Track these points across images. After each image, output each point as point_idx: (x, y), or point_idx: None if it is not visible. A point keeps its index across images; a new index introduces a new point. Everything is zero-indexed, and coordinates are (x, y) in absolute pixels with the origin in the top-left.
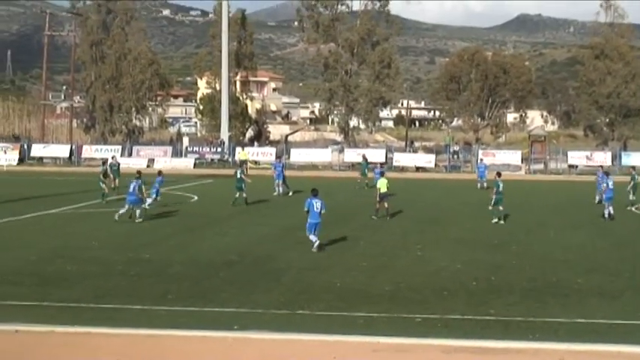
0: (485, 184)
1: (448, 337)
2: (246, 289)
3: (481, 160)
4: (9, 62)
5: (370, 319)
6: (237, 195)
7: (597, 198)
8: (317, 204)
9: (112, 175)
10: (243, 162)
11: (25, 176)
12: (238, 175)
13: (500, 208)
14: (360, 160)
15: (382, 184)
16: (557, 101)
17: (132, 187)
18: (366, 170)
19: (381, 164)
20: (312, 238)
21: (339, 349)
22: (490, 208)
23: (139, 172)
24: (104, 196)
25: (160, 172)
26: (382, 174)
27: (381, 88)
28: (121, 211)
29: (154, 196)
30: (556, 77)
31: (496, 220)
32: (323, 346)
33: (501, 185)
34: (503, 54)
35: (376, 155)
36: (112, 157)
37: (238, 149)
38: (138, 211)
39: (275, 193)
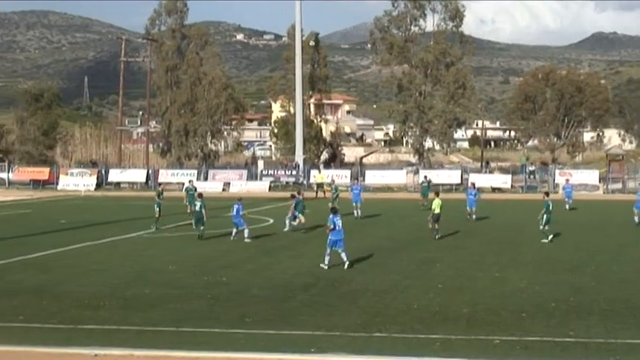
0: (570, 205)
1: (527, 358)
2: (323, 311)
3: (567, 180)
4: (86, 89)
5: (448, 342)
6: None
7: None
8: (339, 222)
9: (187, 201)
10: (320, 185)
11: (102, 201)
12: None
13: (547, 227)
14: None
15: (436, 205)
16: (635, 119)
17: (235, 209)
18: (427, 192)
19: (473, 185)
20: (327, 257)
21: None
22: (542, 228)
23: (240, 198)
24: (157, 221)
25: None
26: (437, 194)
27: (455, 109)
28: (234, 232)
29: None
30: (633, 95)
31: (545, 240)
32: None
33: (551, 205)
34: (579, 72)
35: (452, 177)
36: (189, 182)
37: (315, 172)
38: (246, 231)
39: (355, 216)
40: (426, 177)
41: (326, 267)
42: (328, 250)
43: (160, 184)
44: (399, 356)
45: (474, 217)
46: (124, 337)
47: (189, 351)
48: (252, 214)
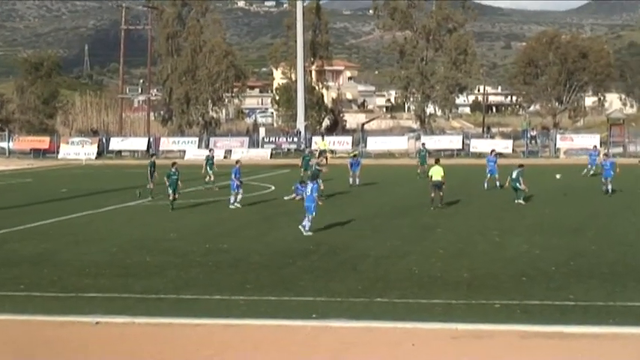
0: (592, 171)
1: (527, 322)
2: (324, 277)
3: (595, 147)
4: (86, 57)
5: (448, 306)
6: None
7: None
8: (311, 188)
9: (207, 169)
10: (323, 151)
11: (103, 169)
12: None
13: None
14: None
15: (435, 172)
16: (636, 83)
17: (232, 173)
18: (426, 160)
19: (493, 151)
20: (309, 224)
21: (417, 336)
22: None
23: (237, 161)
24: (150, 192)
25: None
26: (437, 161)
27: (457, 75)
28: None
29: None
30: (635, 59)
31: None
32: (401, 333)
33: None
34: (581, 37)
35: (453, 142)
36: (210, 150)
37: (317, 139)
38: (233, 197)
39: (350, 183)
40: (423, 144)
41: (309, 233)
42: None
43: (152, 155)
44: (400, 321)
45: (497, 183)
46: (125, 304)
47: (189, 318)
48: (254, 181)
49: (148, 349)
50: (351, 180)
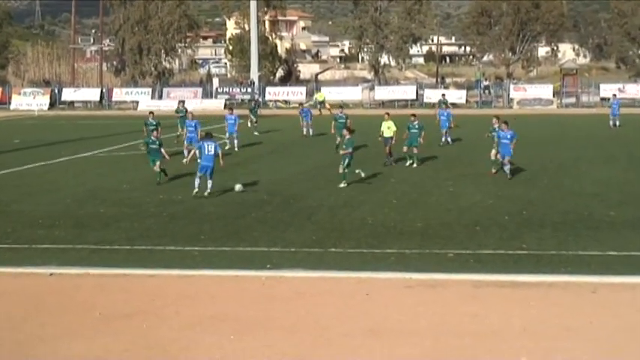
0: (617, 122)
1: (480, 271)
2: (278, 228)
3: (614, 95)
4: (37, 7)
5: (402, 256)
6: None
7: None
8: (209, 146)
9: (179, 123)
10: (322, 102)
11: (56, 120)
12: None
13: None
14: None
15: (385, 128)
16: (589, 34)
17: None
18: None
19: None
20: (197, 182)
21: (371, 286)
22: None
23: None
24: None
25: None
26: (387, 115)
27: (411, 25)
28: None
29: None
30: (587, 10)
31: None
32: (355, 282)
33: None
34: None
35: (407, 92)
36: (180, 103)
37: (316, 92)
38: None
39: (304, 134)
40: (443, 95)
41: (194, 192)
42: (198, 174)
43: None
44: (355, 271)
45: (448, 139)
46: (79, 255)
47: (144, 269)
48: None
49: (102, 301)
50: (304, 130)
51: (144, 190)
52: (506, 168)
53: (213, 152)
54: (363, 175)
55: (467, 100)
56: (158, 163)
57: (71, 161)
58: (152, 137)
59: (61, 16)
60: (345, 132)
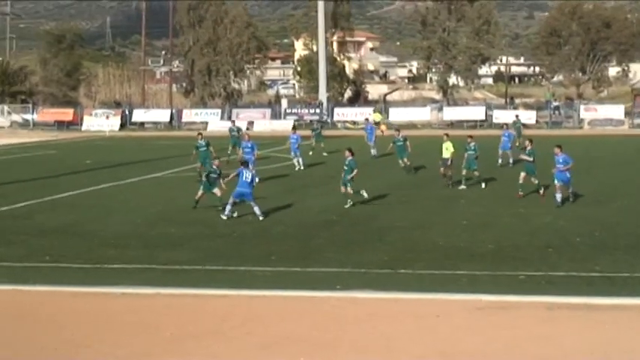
0: None
1: (553, 294)
2: (349, 248)
3: None
4: (108, 29)
5: (473, 277)
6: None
7: None
8: (247, 174)
9: (231, 143)
10: (377, 123)
11: (126, 141)
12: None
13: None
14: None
15: (443, 149)
16: None
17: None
18: (521, 131)
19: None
20: (229, 207)
21: (442, 307)
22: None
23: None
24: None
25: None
26: (447, 136)
27: (479, 45)
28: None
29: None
30: None
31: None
32: (427, 304)
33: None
34: (605, 7)
35: (476, 113)
36: (232, 122)
37: (370, 111)
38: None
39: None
40: (517, 116)
41: (225, 217)
42: (231, 200)
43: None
44: (425, 292)
45: (510, 160)
46: (150, 275)
47: (214, 289)
48: (277, 153)
49: (173, 321)
50: (373, 151)
51: (214, 210)
52: (558, 196)
53: (250, 180)
54: (365, 195)
55: (537, 121)
56: (216, 190)
57: (142, 181)
58: (214, 166)
59: (132, 37)
60: (346, 153)
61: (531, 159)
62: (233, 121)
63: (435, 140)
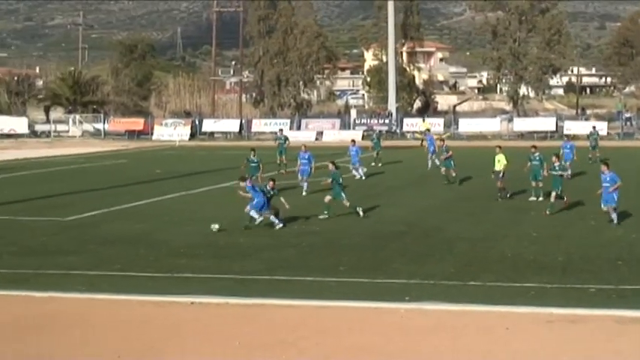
0: None
1: (623, 307)
2: (417, 260)
3: None
4: (179, 39)
5: (543, 290)
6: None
7: None
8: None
9: (278, 152)
10: (424, 132)
11: (196, 151)
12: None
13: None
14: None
15: (497, 161)
16: None
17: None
18: (597, 142)
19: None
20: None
21: (512, 320)
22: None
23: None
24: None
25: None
26: (499, 148)
27: (550, 56)
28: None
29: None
30: None
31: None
32: (496, 316)
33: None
34: None
35: (546, 124)
36: (280, 131)
37: (419, 120)
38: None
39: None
40: (594, 127)
41: (281, 225)
42: (260, 216)
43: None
44: (494, 305)
45: (568, 172)
46: (219, 285)
47: (283, 299)
48: (346, 163)
49: (241, 330)
50: (437, 162)
51: (285, 219)
52: (614, 216)
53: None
54: (362, 214)
55: (608, 132)
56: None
57: (211, 191)
58: (268, 187)
59: (202, 48)
60: (330, 166)
61: (563, 173)
62: (280, 130)
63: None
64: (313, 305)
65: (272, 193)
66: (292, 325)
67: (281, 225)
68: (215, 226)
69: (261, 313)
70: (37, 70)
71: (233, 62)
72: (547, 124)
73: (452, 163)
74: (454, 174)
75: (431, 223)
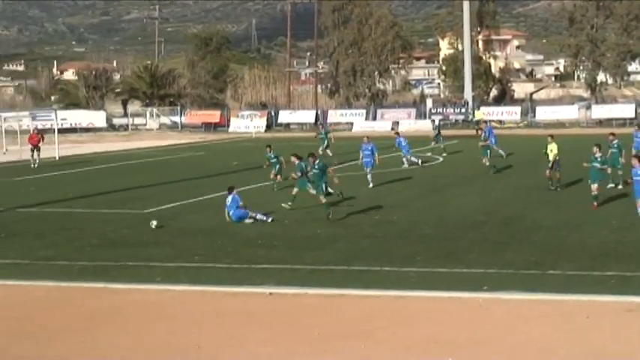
0: None
1: None
2: (495, 249)
3: None
4: (254, 31)
5: (623, 279)
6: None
7: None
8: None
9: (321, 145)
10: (478, 122)
11: (273, 142)
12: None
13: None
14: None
15: (549, 150)
16: None
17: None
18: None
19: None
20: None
21: (592, 309)
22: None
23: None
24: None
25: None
26: (551, 137)
27: (629, 42)
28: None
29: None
30: None
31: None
32: (575, 306)
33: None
34: None
35: (625, 111)
36: (321, 125)
37: (517, 110)
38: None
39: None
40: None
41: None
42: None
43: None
44: (574, 294)
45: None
46: (297, 275)
47: (360, 289)
48: (422, 153)
49: (320, 320)
50: (501, 151)
51: (359, 210)
52: None
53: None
54: (330, 215)
55: None
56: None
57: (287, 182)
58: (310, 163)
59: (277, 39)
60: (293, 158)
61: (604, 166)
62: (322, 124)
63: (583, 139)
64: (390, 295)
65: (315, 168)
66: (370, 315)
67: (270, 219)
68: (153, 223)
69: (339, 303)
70: (115, 64)
71: (308, 53)
72: (626, 110)
73: (488, 151)
74: (487, 163)
75: (508, 211)
